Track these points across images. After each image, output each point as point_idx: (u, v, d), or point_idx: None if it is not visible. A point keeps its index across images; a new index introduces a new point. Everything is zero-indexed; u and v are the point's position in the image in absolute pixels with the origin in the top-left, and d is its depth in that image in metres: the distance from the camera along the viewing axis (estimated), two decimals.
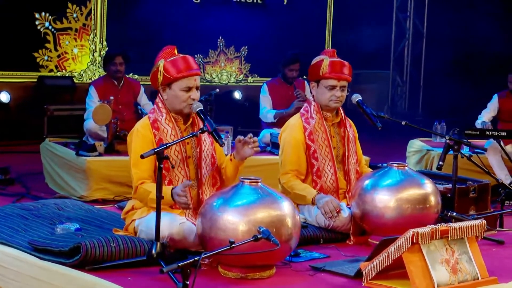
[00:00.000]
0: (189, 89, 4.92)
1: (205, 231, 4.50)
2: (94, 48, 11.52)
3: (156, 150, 4.46)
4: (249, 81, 13.27)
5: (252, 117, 10.25)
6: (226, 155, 5.35)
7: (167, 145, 4.57)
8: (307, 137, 5.69)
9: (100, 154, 7.35)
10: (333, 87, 5.70)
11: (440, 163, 5.56)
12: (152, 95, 8.87)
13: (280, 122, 8.82)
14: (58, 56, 11.22)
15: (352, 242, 5.45)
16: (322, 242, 5.41)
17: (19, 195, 7.20)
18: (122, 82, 8.54)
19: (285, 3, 13.52)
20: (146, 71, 11.39)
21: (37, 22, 11.01)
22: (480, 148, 6.26)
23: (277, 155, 7.71)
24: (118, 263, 4.53)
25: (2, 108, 10.65)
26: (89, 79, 11.29)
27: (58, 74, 11.23)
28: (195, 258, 3.85)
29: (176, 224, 4.69)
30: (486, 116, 8.80)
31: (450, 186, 5.88)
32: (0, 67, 10.81)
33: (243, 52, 13.13)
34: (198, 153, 5.01)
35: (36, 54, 11.03)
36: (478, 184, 6.15)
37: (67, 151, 7.59)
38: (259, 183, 4.60)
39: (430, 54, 15.21)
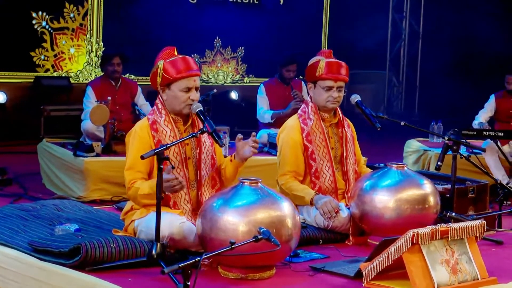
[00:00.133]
0: (188, 89, 4.91)
1: (205, 231, 4.49)
2: (90, 48, 11.51)
3: (156, 151, 4.45)
4: (245, 81, 13.27)
5: (248, 117, 10.26)
6: (224, 156, 5.36)
7: (167, 145, 4.56)
8: (304, 138, 5.68)
9: (97, 155, 7.34)
10: (330, 88, 5.69)
11: (439, 163, 5.57)
12: (149, 96, 8.88)
13: (277, 122, 8.83)
14: (55, 55, 11.22)
15: (351, 243, 5.44)
16: (321, 242, 5.40)
17: (16, 196, 7.19)
18: (120, 82, 8.54)
19: (281, 3, 13.53)
20: (143, 72, 11.54)
21: (34, 22, 11.01)
22: (480, 148, 6.26)
23: (275, 155, 7.75)
24: (118, 264, 4.53)
25: None
26: (86, 80, 11.29)
27: (55, 74, 11.22)
28: (196, 259, 3.85)
29: (176, 224, 4.68)
30: (483, 116, 8.81)
31: (448, 186, 5.88)
32: None
33: (239, 53, 13.14)
34: (198, 154, 5.00)
35: (32, 54, 11.03)
36: (476, 185, 6.16)
37: (65, 151, 7.59)
38: (259, 184, 4.60)
39: (426, 55, 15.25)
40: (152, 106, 8.36)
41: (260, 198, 4.50)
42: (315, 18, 14.11)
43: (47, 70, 11.16)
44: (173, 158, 4.87)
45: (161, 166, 4.46)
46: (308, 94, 5.91)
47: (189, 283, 3.81)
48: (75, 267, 4.42)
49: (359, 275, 4.44)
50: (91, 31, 11.50)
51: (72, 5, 11.28)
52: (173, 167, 4.76)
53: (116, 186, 7.13)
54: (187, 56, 5.01)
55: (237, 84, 13.11)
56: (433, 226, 4.28)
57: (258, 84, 9.50)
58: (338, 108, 5.84)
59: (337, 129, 5.83)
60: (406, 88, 15.73)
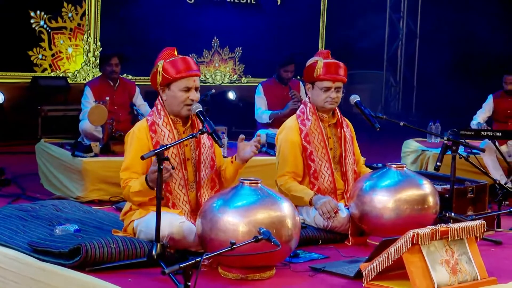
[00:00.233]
0: (188, 89, 4.91)
1: (205, 232, 4.49)
2: (88, 48, 11.51)
3: (156, 151, 4.45)
4: (243, 81, 13.27)
5: (246, 118, 10.26)
6: (223, 156, 5.36)
7: (167, 146, 4.56)
8: (303, 139, 5.68)
9: (96, 155, 7.34)
10: (328, 89, 5.69)
11: (438, 163, 5.57)
12: (146, 96, 8.87)
13: (275, 122, 8.85)
14: (53, 55, 11.21)
15: (350, 243, 5.45)
16: (320, 242, 5.40)
17: (14, 196, 7.18)
18: (118, 82, 8.53)
19: (278, 3, 13.52)
20: (140, 72, 11.53)
21: (32, 21, 11.00)
22: (479, 149, 6.27)
23: (273, 155, 7.76)
24: (118, 264, 4.52)
25: None
26: (83, 80, 11.29)
27: (52, 74, 11.21)
28: (197, 259, 3.85)
29: (176, 223, 4.68)
30: (481, 116, 8.81)
31: (447, 186, 5.89)
32: None
33: (237, 53, 13.14)
34: (197, 155, 5.00)
35: (30, 53, 11.02)
36: (475, 185, 6.16)
37: (63, 151, 7.58)
38: (259, 184, 4.60)
39: (424, 54, 15.25)
40: (150, 106, 8.48)
41: (260, 199, 4.50)
42: (312, 19, 14.11)
43: (45, 69, 11.15)
44: (172, 159, 4.87)
45: (161, 167, 4.46)
46: (306, 94, 5.91)
47: (189, 284, 3.81)
48: (75, 268, 4.42)
49: (359, 275, 4.44)
50: (89, 31, 11.49)
51: (70, 5, 11.28)
52: (173, 168, 4.76)
53: (114, 186, 7.12)
54: (187, 57, 5.01)
55: (234, 84, 13.11)
56: (433, 226, 4.28)
57: (256, 84, 9.50)
58: (336, 108, 5.84)
59: (336, 130, 5.83)
60: (403, 88, 15.74)
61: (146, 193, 4.71)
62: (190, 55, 12.11)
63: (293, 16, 13.55)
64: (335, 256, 5.08)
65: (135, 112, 8.31)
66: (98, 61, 11.24)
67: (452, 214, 5.47)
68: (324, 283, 4.52)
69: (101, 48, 11.53)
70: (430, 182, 5.44)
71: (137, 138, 4.91)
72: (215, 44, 12.91)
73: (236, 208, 4.45)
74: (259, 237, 4.20)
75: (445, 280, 4.22)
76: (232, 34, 12.81)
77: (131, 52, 10.49)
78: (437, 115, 9.82)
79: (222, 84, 12.95)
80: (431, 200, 5.30)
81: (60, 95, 11.05)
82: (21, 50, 10.96)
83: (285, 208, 4.54)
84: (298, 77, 9.74)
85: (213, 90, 9.32)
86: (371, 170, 5.93)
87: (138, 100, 8.61)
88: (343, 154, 5.76)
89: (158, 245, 4.45)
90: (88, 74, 11.49)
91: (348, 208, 5.50)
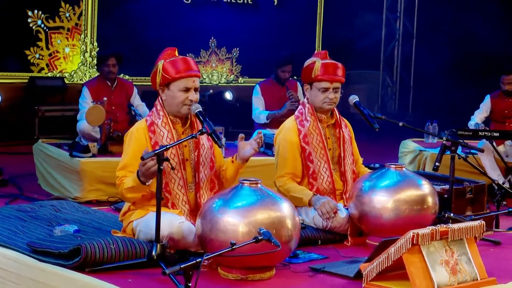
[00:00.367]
0: (187, 90, 4.90)
1: (205, 232, 4.49)
2: (85, 48, 11.50)
3: (156, 152, 4.45)
4: (239, 81, 13.27)
5: (243, 118, 10.26)
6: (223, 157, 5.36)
7: (167, 146, 4.56)
8: (301, 140, 5.68)
9: (93, 155, 7.33)
10: (326, 89, 5.69)
11: (437, 164, 5.57)
12: (143, 96, 8.86)
13: (272, 123, 8.86)
14: (50, 54, 11.20)
15: (350, 243, 5.45)
16: (320, 243, 5.41)
17: (12, 197, 7.17)
18: (115, 83, 8.52)
19: (275, 3, 13.52)
20: (137, 72, 11.52)
21: (29, 20, 10.98)
22: (478, 149, 6.27)
23: (270, 155, 7.76)
24: (118, 265, 4.52)
25: None
26: (80, 80, 11.28)
27: (49, 74, 11.20)
28: (197, 260, 3.85)
29: (176, 223, 4.67)
30: (478, 117, 8.81)
31: (446, 187, 5.89)
32: None
33: (234, 53, 13.13)
34: (196, 156, 4.99)
35: (27, 52, 11.00)
36: (474, 185, 6.16)
37: (61, 152, 7.57)
38: (259, 185, 4.60)
39: (420, 55, 15.26)
40: (147, 106, 8.47)
41: (260, 199, 4.50)
42: (309, 19, 14.12)
43: (42, 69, 11.13)
44: (171, 159, 4.86)
45: (161, 167, 4.45)
46: (304, 94, 5.91)
47: (190, 284, 3.81)
48: (75, 268, 4.42)
49: (359, 275, 4.44)
50: (86, 31, 11.49)
51: (67, 5, 11.27)
52: (173, 168, 4.77)
53: (112, 187, 7.08)
54: (187, 57, 5.02)
55: (231, 84, 13.11)
56: (432, 226, 4.29)
57: (252, 84, 9.51)
58: (335, 108, 5.84)
59: (335, 130, 5.83)
60: (400, 88, 15.76)
61: (138, 189, 4.69)
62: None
63: (290, 16, 13.56)
64: (335, 257, 5.09)
65: (133, 113, 8.30)
66: (95, 61, 11.25)
67: (451, 215, 5.47)
68: (324, 283, 4.52)
69: (98, 48, 11.52)
70: (429, 183, 5.44)
71: (136, 138, 4.90)
72: (213, 44, 12.90)
73: (236, 209, 4.45)
74: (259, 237, 4.20)
75: (445, 281, 4.23)
76: (229, 34, 12.82)
77: (128, 52, 10.47)
78: (434, 116, 9.82)
79: (219, 84, 12.95)
80: (430, 200, 5.30)
81: (57, 95, 11.04)
82: (18, 49, 10.94)
83: (285, 208, 4.54)
84: (295, 77, 9.74)
85: (211, 91, 9.35)
86: (370, 170, 5.93)
87: (136, 100, 8.60)
88: (342, 155, 5.76)
89: (158, 245, 4.45)
90: (85, 74, 11.48)
91: (347, 209, 5.50)
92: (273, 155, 7.69)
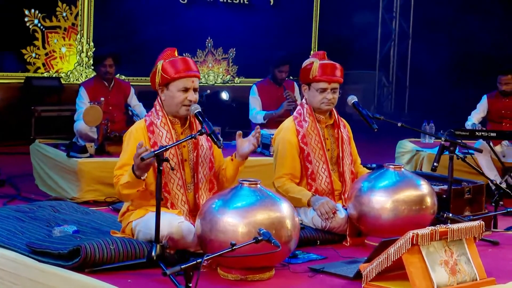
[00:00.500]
0: (186, 90, 4.90)
1: (205, 233, 4.49)
2: (81, 48, 11.48)
3: (156, 152, 4.44)
4: (236, 81, 13.26)
5: (239, 118, 10.25)
6: None
7: (167, 147, 4.56)
8: (300, 140, 5.68)
9: (91, 156, 7.32)
10: (324, 90, 5.69)
11: (435, 164, 5.58)
12: (140, 96, 8.85)
13: (269, 123, 8.86)
14: (46, 54, 11.18)
15: (348, 243, 5.45)
16: (318, 243, 5.41)
17: (9, 197, 7.15)
18: (113, 83, 8.51)
19: (271, 3, 13.52)
20: (133, 72, 11.51)
21: (26, 19, 10.96)
22: (477, 149, 6.28)
23: (268, 156, 7.76)
24: (118, 266, 4.52)
25: None
26: (76, 80, 11.27)
27: (45, 74, 11.18)
28: (198, 260, 3.85)
29: (175, 223, 4.67)
30: (475, 117, 8.82)
31: (445, 187, 5.90)
32: None
33: (231, 54, 13.13)
34: (195, 157, 4.99)
35: (24, 51, 10.98)
36: (473, 185, 6.17)
37: (58, 152, 7.56)
38: (258, 185, 4.60)
39: (416, 55, 15.27)
40: (144, 106, 8.47)
41: (260, 199, 4.50)
42: (305, 19, 14.12)
43: (38, 68, 11.11)
44: (170, 159, 4.86)
45: (161, 168, 4.45)
46: (300, 94, 5.91)
47: (190, 285, 3.81)
48: (74, 269, 4.41)
49: (358, 276, 4.44)
50: (82, 31, 11.47)
51: (64, 4, 11.25)
52: (172, 169, 4.76)
53: (109, 187, 7.07)
54: (187, 58, 5.02)
55: (227, 84, 13.10)
56: (432, 227, 4.29)
57: (249, 84, 9.52)
58: (334, 109, 5.84)
59: (333, 130, 5.83)
60: (396, 88, 15.76)
61: (134, 184, 4.67)
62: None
63: (286, 16, 13.56)
64: (334, 257, 5.09)
65: (130, 113, 8.30)
66: (91, 61, 11.24)
67: (450, 215, 5.47)
68: (323, 283, 4.52)
69: (94, 49, 11.50)
70: (428, 183, 5.45)
71: (135, 138, 4.90)
72: (209, 45, 12.89)
73: (236, 209, 4.44)
74: (259, 238, 4.20)
75: (444, 281, 4.23)
76: (225, 34, 12.81)
77: (125, 52, 10.46)
78: (430, 116, 9.83)
79: (215, 84, 12.94)
80: (429, 200, 5.31)
81: (53, 96, 11.02)
82: (14, 48, 10.93)
83: (285, 209, 4.54)
84: (291, 77, 9.74)
85: (208, 91, 9.35)
86: (368, 171, 5.94)
87: (133, 100, 8.59)
88: (341, 155, 5.76)
89: (158, 246, 4.45)
90: (81, 74, 11.47)
91: (346, 209, 5.51)
92: (270, 155, 7.71)
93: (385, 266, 4.27)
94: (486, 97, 8.90)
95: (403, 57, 15.62)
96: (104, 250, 4.51)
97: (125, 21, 11.46)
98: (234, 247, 4.08)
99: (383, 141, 10.25)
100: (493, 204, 6.30)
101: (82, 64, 11.50)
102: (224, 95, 12.33)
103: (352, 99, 5.83)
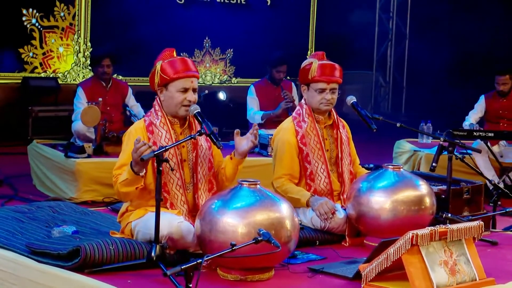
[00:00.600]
0: (185, 90, 4.90)
1: (204, 233, 4.48)
2: (78, 49, 11.47)
3: (156, 153, 4.44)
4: (233, 82, 13.26)
5: (236, 118, 10.25)
6: None
7: (167, 147, 4.56)
8: (299, 141, 5.68)
9: (89, 156, 7.32)
10: (322, 90, 5.69)
11: (434, 164, 5.58)
12: (137, 96, 8.85)
13: (267, 123, 8.86)
14: (43, 53, 11.17)
15: (347, 244, 5.45)
16: (318, 243, 5.40)
17: (7, 198, 7.14)
18: (110, 83, 8.51)
19: (268, 3, 13.53)
20: (130, 72, 11.50)
21: (24, 18, 10.95)
22: (475, 149, 6.28)
23: (265, 156, 7.76)
24: (118, 266, 4.51)
25: None
26: (74, 80, 11.26)
27: (42, 74, 11.17)
28: (198, 261, 3.85)
29: (175, 223, 4.66)
30: (473, 117, 8.83)
31: (443, 187, 5.90)
32: None
33: (228, 54, 13.12)
34: (194, 157, 4.99)
35: (21, 50, 10.97)
36: (471, 186, 6.17)
37: (56, 152, 7.56)
38: (258, 185, 4.59)
39: (413, 55, 15.29)
40: (142, 107, 8.46)
41: (259, 200, 4.49)
42: (302, 19, 14.13)
43: (35, 67, 11.10)
44: (170, 160, 4.85)
45: (160, 168, 4.45)
46: (299, 95, 5.91)
47: (191, 285, 3.81)
48: (74, 269, 4.41)
49: (358, 276, 4.44)
50: (79, 32, 11.46)
51: (62, 4, 11.24)
52: (172, 169, 4.76)
53: (107, 187, 7.10)
54: (186, 58, 5.02)
55: (224, 84, 13.10)
56: (431, 227, 4.29)
57: (246, 84, 9.52)
58: (333, 109, 5.84)
59: (332, 131, 5.83)
60: (393, 89, 15.78)
61: (133, 181, 4.65)
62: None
63: (283, 16, 13.57)
64: (333, 257, 5.08)
65: (128, 113, 8.29)
66: (88, 61, 11.23)
67: (449, 215, 5.47)
68: (323, 284, 4.52)
69: (91, 49, 11.49)
70: (427, 183, 5.45)
71: (134, 138, 4.89)
72: (207, 45, 12.89)
73: (235, 210, 4.44)
74: (259, 238, 4.20)
75: (444, 281, 4.23)
76: (223, 34, 12.81)
77: (122, 53, 10.47)
78: (427, 116, 9.84)
79: (212, 84, 12.94)
80: (427, 201, 5.31)
81: (50, 96, 11.00)
82: (12, 47, 10.92)
83: (284, 209, 4.54)
84: (288, 77, 9.74)
85: (206, 91, 9.34)
86: (367, 171, 5.94)
87: (131, 100, 8.59)
88: (340, 156, 5.76)
89: (158, 246, 4.44)
90: (78, 74, 11.46)
91: (345, 209, 5.51)
92: (268, 156, 7.72)
93: (385, 266, 4.26)
94: (483, 97, 8.91)
95: (400, 57, 15.64)
96: (104, 250, 4.50)
97: (123, 21, 11.45)
98: (234, 248, 4.08)
99: (380, 141, 10.25)
100: (491, 204, 6.30)
101: (79, 64, 11.49)
102: (222, 95, 12.33)
103: (351, 99, 5.83)
